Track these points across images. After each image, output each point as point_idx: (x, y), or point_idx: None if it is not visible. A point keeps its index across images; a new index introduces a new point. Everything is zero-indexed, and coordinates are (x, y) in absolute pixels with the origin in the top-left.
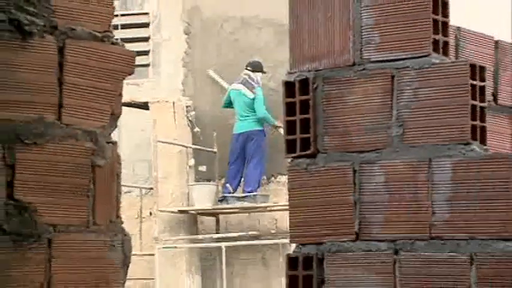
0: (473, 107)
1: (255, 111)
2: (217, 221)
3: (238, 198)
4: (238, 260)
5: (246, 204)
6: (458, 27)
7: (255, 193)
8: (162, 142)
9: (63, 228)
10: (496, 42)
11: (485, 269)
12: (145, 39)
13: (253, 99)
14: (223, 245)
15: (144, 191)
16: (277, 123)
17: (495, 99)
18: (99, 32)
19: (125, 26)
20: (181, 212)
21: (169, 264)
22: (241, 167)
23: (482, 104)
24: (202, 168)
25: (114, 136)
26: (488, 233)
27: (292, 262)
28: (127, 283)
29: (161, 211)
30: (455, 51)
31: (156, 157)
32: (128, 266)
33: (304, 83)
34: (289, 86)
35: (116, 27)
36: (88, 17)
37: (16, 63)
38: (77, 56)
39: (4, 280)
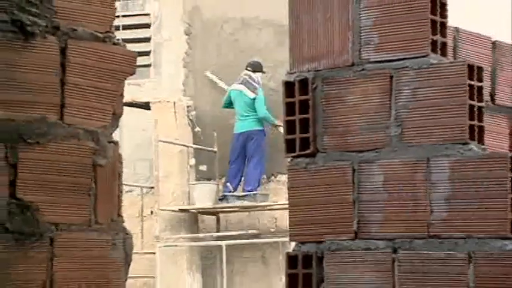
0: (471, 107)
1: (255, 111)
2: (218, 220)
3: (239, 197)
4: (238, 258)
5: (246, 203)
6: (456, 27)
7: (255, 192)
8: (163, 142)
9: (65, 227)
10: (494, 42)
11: (483, 267)
12: (147, 39)
13: (254, 99)
14: (223, 243)
15: (145, 190)
16: (277, 122)
17: (493, 99)
18: (101, 33)
19: (126, 27)
20: (182, 210)
21: (170, 263)
22: (241, 166)
23: (480, 104)
24: (203, 167)
25: (116, 136)
26: (485, 231)
27: (291, 260)
28: (128, 281)
29: (162, 210)
30: (453, 51)
31: (157, 156)
32: (129, 264)
33: (304, 83)
34: (288, 86)
35: (117, 27)
36: (90, 17)
37: (18, 64)
38: (78, 57)
39: (7, 278)
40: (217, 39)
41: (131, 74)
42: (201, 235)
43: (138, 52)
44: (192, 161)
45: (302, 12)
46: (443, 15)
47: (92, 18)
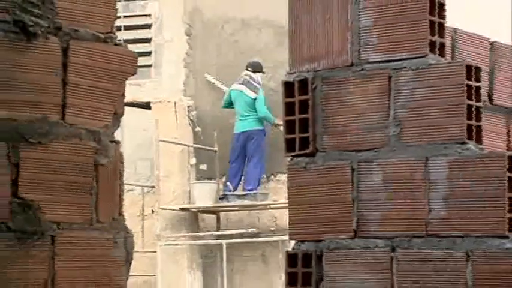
0: (469, 106)
1: (255, 111)
2: (218, 219)
3: (239, 196)
4: (238, 256)
5: (246, 202)
6: (455, 28)
7: (255, 191)
8: (164, 141)
9: (66, 225)
10: (492, 43)
11: (481, 266)
12: (148, 40)
13: (255, 99)
14: (223, 242)
15: (146, 189)
16: (278, 121)
17: (490, 99)
18: (102, 33)
19: (127, 28)
20: (182, 209)
21: (170, 261)
22: (241, 165)
23: (478, 104)
24: (203, 166)
25: (117, 135)
26: (483, 230)
27: (291, 259)
28: (129, 279)
29: (163, 209)
30: (452, 52)
31: (158, 156)
32: (130, 263)
33: (303, 83)
34: (288, 86)
35: (118, 28)
36: (91, 18)
37: (21, 64)
38: (80, 57)
39: (8, 276)
40: (217, 40)
41: (132, 74)
42: (201, 234)
43: (139, 52)
44: (193, 161)
45: (301, 12)
46: (442, 16)
47: (94, 19)
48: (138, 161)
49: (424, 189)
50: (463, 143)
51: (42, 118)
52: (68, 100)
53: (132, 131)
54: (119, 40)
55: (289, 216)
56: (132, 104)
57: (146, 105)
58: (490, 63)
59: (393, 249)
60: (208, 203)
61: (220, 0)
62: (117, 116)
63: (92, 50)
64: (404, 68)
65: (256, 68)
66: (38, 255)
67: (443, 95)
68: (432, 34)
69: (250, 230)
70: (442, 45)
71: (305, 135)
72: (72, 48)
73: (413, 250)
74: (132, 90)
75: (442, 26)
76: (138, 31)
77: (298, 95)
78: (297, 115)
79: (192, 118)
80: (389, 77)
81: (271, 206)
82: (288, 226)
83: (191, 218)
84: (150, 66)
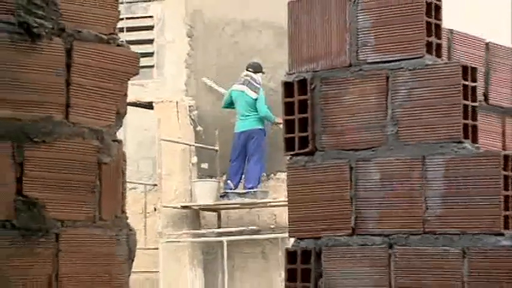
0: (465, 106)
1: (256, 111)
2: (219, 216)
3: (239, 195)
4: (239, 253)
5: (246, 200)
6: (451, 29)
7: (255, 189)
8: (166, 140)
9: (70, 223)
10: (487, 44)
11: (477, 263)
12: (150, 41)
13: (256, 99)
14: (224, 239)
15: (148, 187)
16: (278, 120)
17: (486, 99)
18: (105, 35)
19: (130, 29)
20: (184, 207)
21: (172, 258)
22: (242, 164)
23: (473, 104)
24: (205, 165)
25: (120, 134)
26: (479, 228)
27: (291, 256)
28: (132, 276)
29: (165, 207)
30: (448, 52)
31: (160, 155)
32: (132, 260)
33: (303, 83)
34: (288, 87)
35: (121, 29)
36: (94, 20)
37: (25, 65)
38: (83, 58)
39: (13, 273)
40: (218, 41)
41: (135, 75)
42: (202, 231)
43: (142, 53)
44: (194, 159)
45: (301, 14)
46: (438, 17)
47: (97, 20)
48: (140, 159)
49: (421, 187)
50: (459, 142)
51: (46, 118)
52: (71, 100)
53: (134, 131)
54: (122, 41)
55: (289, 214)
56: (134, 104)
57: (148, 105)
58: (485, 63)
59: (391, 247)
60: (209, 201)
61: (221, 2)
62: (120, 116)
63: (95, 50)
64: (402, 68)
65: (257, 68)
66: (42, 252)
67: (439, 95)
68: (429, 35)
69: (250, 228)
70: (439, 46)
71: (304, 134)
72: (76, 49)
73: (410, 247)
74: (135, 90)
75: (438, 27)
76: (141, 32)
77: (297, 95)
78: (297, 115)
79: (193, 118)
80: (387, 77)
81: (271, 204)
82: (287, 224)
83: (192, 216)
84: (152, 66)
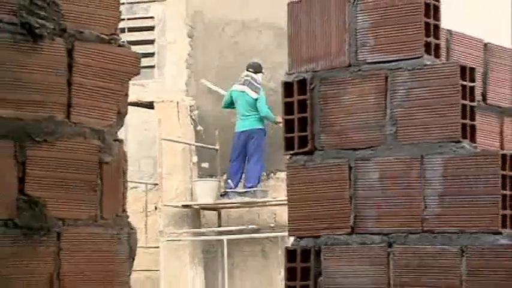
0: (464, 106)
1: (256, 111)
2: (219, 215)
3: (239, 194)
4: (239, 252)
5: (246, 199)
6: (449, 30)
7: (255, 189)
8: (167, 140)
9: (71, 222)
10: (485, 44)
11: (475, 261)
12: (151, 41)
13: (256, 99)
14: (224, 238)
15: (149, 186)
16: (278, 119)
17: (484, 99)
18: (106, 35)
19: (131, 29)
20: (184, 206)
21: (173, 257)
22: (242, 163)
23: (472, 104)
24: (205, 164)
25: (121, 134)
26: (477, 226)
27: (290, 255)
28: (133, 275)
29: (166, 206)
30: (446, 53)
31: (160, 154)
32: (133, 258)
33: (302, 83)
34: (287, 87)
35: (122, 30)
36: (96, 20)
37: (27, 65)
38: (85, 58)
39: (15, 271)
40: (218, 42)
41: (136, 75)
42: (203, 230)
43: (143, 54)
44: (195, 159)
45: (300, 15)
46: (437, 18)
47: (98, 21)
48: (141, 159)
49: (419, 186)
50: (458, 141)
51: (48, 117)
52: (73, 100)
53: (135, 130)
54: (123, 41)
55: (289, 213)
56: (135, 104)
57: (149, 105)
58: (483, 63)
59: (389, 245)
60: (210, 200)
61: (221, 3)
62: (121, 116)
63: (96, 51)
64: (401, 68)
65: (257, 68)
66: (44, 251)
67: (438, 94)
68: (427, 36)
69: (250, 227)
70: (437, 46)
71: (304, 134)
72: (77, 50)
73: (409, 246)
74: (136, 90)
75: (437, 27)
76: (142, 33)
77: (297, 95)
78: (296, 114)
79: (193, 117)
80: (386, 78)
81: (271, 203)
82: (287, 222)
83: (193, 215)
84: (153, 67)
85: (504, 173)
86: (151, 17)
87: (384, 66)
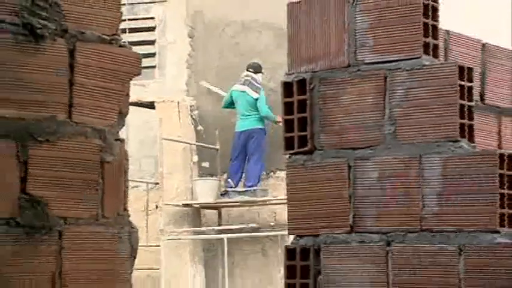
0: (462, 106)
1: (256, 110)
2: (220, 214)
3: (239, 193)
4: (239, 251)
5: (246, 198)
6: (447, 30)
7: (255, 188)
8: (168, 140)
9: (73, 221)
10: (483, 44)
11: (473, 260)
12: (151, 42)
13: (257, 99)
14: (225, 236)
15: (150, 185)
16: (278, 118)
17: (482, 99)
18: (108, 35)
19: (132, 30)
20: (185, 205)
21: (174, 255)
22: (242, 163)
23: (470, 104)
24: (205, 164)
25: (122, 134)
26: (476, 225)
27: (290, 253)
28: (134, 273)
29: (166, 205)
30: (445, 53)
31: (161, 154)
32: (134, 257)
33: (302, 83)
34: (287, 87)
35: (123, 30)
36: (97, 21)
37: (29, 65)
38: (86, 58)
39: (17, 270)
40: (218, 42)
41: (137, 75)
42: (203, 229)
43: (143, 54)
44: (195, 158)
45: (300, 15)
46: (435, 18)
47: (99, 21)
48: (142, 158)
49: (418, 185)
50: (456, 141)
51: (50, 117)
52: (74, 100)
53: (136, 130)
54: (124, 42)
55: (288, 212)
56: (136, 104)
57: (150, 105)
58: (481, 64)
59: (388, 244)
60: (210, 199)
61: (221, 3)
62: (122, 115)
63: (97, 51)
64: (399, 68)
65: (257, 69)
66: (45, 250)
67: (436, 94)
68: (426, 36)
69: (250, 225)
70: (436, 46)
71: (303, 133)
72: (79, 50)
73: (407, 244)
74: (137, 90)
75: (435, 28)
76: (142, 33)
77: (296, 95)
78: (296, 114)
79: (194, 117)
80: (385, 78)
81: (271, 202)
82: (287, 221)
83: (193, 214)
84: (153, 67)
85: (502, 172)
86: (152, 18)
87: (382, 66)
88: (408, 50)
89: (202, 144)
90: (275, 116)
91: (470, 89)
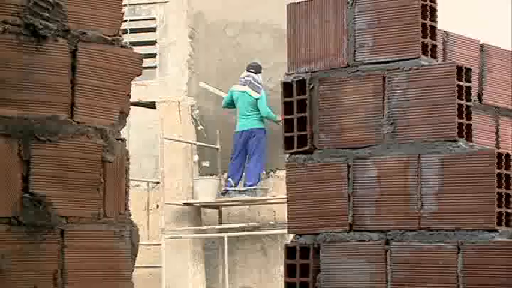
0: (460, 106)
1: (257, 110)
2: (220, 213)
3: (240, 192)
4: (239, 249)
5: (246, 197)
6: (446, 31)
7: (255, 187)
8: (168, 139)
9: (75, 219)
10: (481, 45)
11: (471, 258)
12: (153, 42)
13: (257, 98)
14: (225, 235)
15: (151, 184)
16: (278, 117)
17: (480, 99)
18: (109, 36)
19: (133, 31)
20: (186, 204)
21: (175, 253)
22: (242, 162)
23: (468, 103)
24: (206, 163)
25: (123, 133)
26: (473, 224)
27: (290, 251)
28: (135, 271)
29: (167, 204)
30: (443, 53)
31: (162, 153)
32: (136, 255)
33: (301, 83)
34: (287, 87)
35: (125, 31)
36: (99, 21)
37: (31, 65)
38: (88, 58)
39: (20, 268)
40: (219, 43)
41: (138, 75)
42: (204, 227)
43: (145, 54)
44: (196, 158)
45: (299, 16)
46: (433, 19)
47: (101, 22)
48: (143, 157)
49: (416, 185)
50: (454, 140)
51: (52, 117)
52: (76, 100)
53: (138, 129)
54: (125, 42)
55: (288, 211)
56: (137, 104)
57: (151, 105)
58: (479, 64)
59: (387, 242)
60: (211, 198)
61: (222, 5)
62: (124, 115)
63: (99, 51)
64: (398, 69)
65: (258, 69)
66: (47, 248)
67: (435, 94)
68: (424, 36)
69: (250, 224)
70: (434, 47)
71: (303, 133)
72: (81, 50)
73: (406, 243)
74: (138, 90)
75: (433, 28)
76: (144, 34)
77: (296, 95)
78: (295, 114)
79: (195, 117)
80: (384, 78)
81: (271, 200)
82: (286, 220)
83: (194, 212)
84: (155, 67)
85: (499, 171)
86: (153, 19)
87: (381, 66)
88: (407, 50)
89: (202, 143)
90: (276, 116)
91: (468, 89)
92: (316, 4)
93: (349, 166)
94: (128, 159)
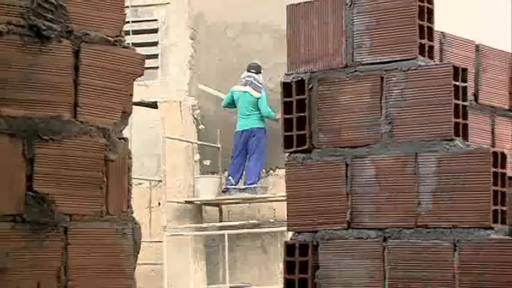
0: (456, 105)
1: (257, 110)
2: (221, 211)
3: (240, 190)
4: (239, 246)
5: (247, 195)
6: (442, 32)
7: (255, 185)
8: (170, 138)
9: (78, 217)
10: (477, 46)
11: (467, 255)
12: (154, 43)
13: (258, 98)
14: (226, 232)
15: (153, 183)
16: (278, 115)
17: (476, 99)
18: (112, 37)
19: (135, 32)
20: (187, 202)
21: (176, 251)
22: (243, 161)
23: (464, 103)
24: (207, 162)
25: (126, 133)
26: (470, 222)
27: (289, 249)
28: (137, 268)
29: (169, 202)
30: (440, 54)
31: (164, 152)
32: (138, 252)
33: (300, 83)
34: (286, 87)
35: (127, 32)
36: (101, 23)
37: (35, 65)
38: (91, 59)
39: (24, 265)
40: (220, 43)
41: (140, 75)
42: (205, 225)
43: (147, 55)
44: (197, 156)
45: (299, 17)
46: (430, 20)
47: (104, 23)
48: (145, 156)
49: (413, 183)
50: (451, 139)
51: (56, 116)
52: (79, 99)
53: (140, 129)
54: (128, 43)
55: (287, 209)
56: (139, 104)
57: (153, 105)
58: (475, 64)
59: (385, 240)
60: (211, 196)
61: (222, 6)
62: (126, 115)
63: (102, 52)
64: (396, 69)
65: (258, 69)
66: (51, 246)
67: (431, 94)
68: (421, 38)
69: (250, 222)
70: (431, 48)
71: (302, 132)
72: (84, 51)
73: (403, 240)
74: (140, 90)
75: (430, 30)
76: (146, 35)
77: (295, 95)
78: (295, 114)
79: (196, 117)
80: (381, 78)
81: (271, 199)
82: (286, 218)
83: (195, 210)
84: (156, 68)
85: (495, 170)
86: (155, 20)
87: (379, 67)
88: (404, 51)
89: (203, 142)
90: (275, 114)
91: (464, 89)
92: (316, 5)
93: (347, 165)
94: (130, 158)
